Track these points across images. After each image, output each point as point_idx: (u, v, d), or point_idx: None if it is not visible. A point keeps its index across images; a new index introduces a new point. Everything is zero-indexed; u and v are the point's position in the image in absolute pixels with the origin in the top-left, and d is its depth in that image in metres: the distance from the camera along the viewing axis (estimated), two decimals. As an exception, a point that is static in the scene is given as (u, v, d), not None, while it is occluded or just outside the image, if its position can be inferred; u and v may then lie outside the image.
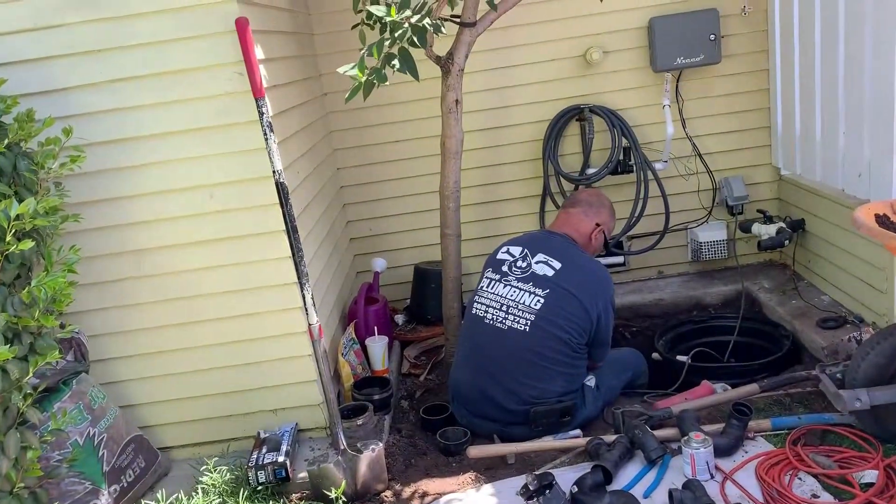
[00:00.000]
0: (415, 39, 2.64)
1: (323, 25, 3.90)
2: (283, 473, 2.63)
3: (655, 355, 3.71)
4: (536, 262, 3.01)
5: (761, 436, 2.68)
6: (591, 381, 3.01)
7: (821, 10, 3.29)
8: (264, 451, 2.72)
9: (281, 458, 2.65)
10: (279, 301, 2.83)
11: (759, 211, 3.96)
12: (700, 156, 4.06)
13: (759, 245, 3.75)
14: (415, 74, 2.68)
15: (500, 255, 3.13)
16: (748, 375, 3.33)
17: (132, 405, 2.93)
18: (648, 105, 4.01)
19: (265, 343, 2.88)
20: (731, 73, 3.96)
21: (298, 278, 2.68)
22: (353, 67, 2.63)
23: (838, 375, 2.65)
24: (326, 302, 3.28)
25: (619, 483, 2.49)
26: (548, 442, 2.82)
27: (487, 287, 3.05)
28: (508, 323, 2.92)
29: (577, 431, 2.91)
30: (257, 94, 2.56)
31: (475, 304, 3.05)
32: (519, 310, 2.92)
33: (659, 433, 2.68)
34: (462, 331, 3.17)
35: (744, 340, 3.72)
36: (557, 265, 2.98)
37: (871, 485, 2.32)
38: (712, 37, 3.80)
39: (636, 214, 3.95)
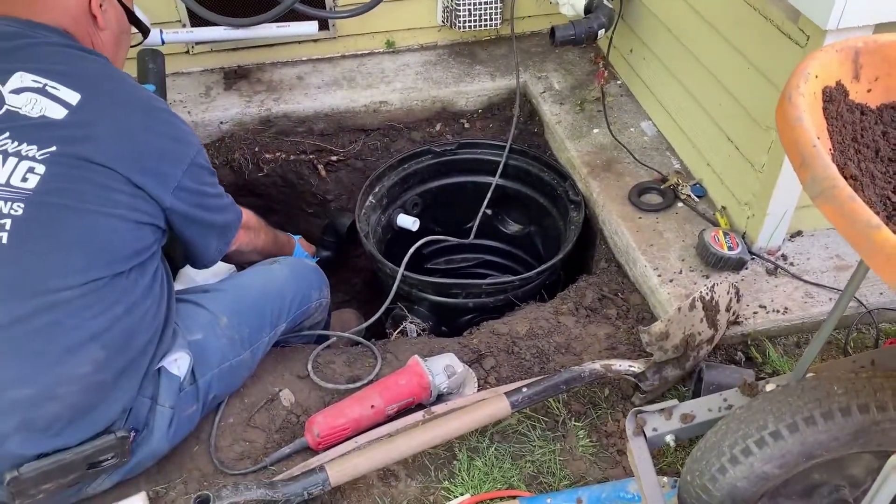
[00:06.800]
0: None
1: None
2: None
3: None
4: (16, 91, 1.25)
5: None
6: (178, 358, 1.37)
7: None
8: None
9: None
10: None
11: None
12: None
13: (552, 35, 2.00)
14: None
15: None
16: (502, 293, 1.90)
17: None
18: None
19: None
20: None
21: None
22: None
23: (668, 440, 1.25)
24: None
25: None
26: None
27: None
28: None
29: (142, 496, 1.37)
30: None
31: None
32: None
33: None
34: None
35: (508, 187, 2.21)
36: (73, 96, 1.26)
37: None
38: None
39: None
